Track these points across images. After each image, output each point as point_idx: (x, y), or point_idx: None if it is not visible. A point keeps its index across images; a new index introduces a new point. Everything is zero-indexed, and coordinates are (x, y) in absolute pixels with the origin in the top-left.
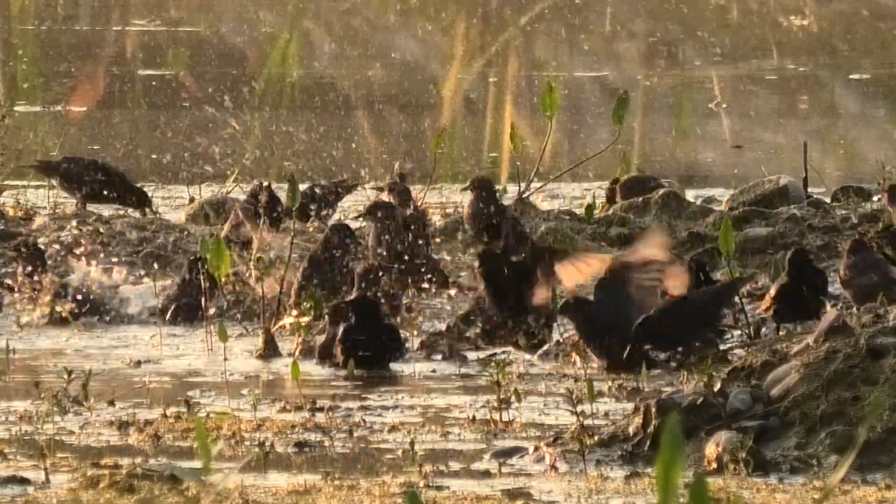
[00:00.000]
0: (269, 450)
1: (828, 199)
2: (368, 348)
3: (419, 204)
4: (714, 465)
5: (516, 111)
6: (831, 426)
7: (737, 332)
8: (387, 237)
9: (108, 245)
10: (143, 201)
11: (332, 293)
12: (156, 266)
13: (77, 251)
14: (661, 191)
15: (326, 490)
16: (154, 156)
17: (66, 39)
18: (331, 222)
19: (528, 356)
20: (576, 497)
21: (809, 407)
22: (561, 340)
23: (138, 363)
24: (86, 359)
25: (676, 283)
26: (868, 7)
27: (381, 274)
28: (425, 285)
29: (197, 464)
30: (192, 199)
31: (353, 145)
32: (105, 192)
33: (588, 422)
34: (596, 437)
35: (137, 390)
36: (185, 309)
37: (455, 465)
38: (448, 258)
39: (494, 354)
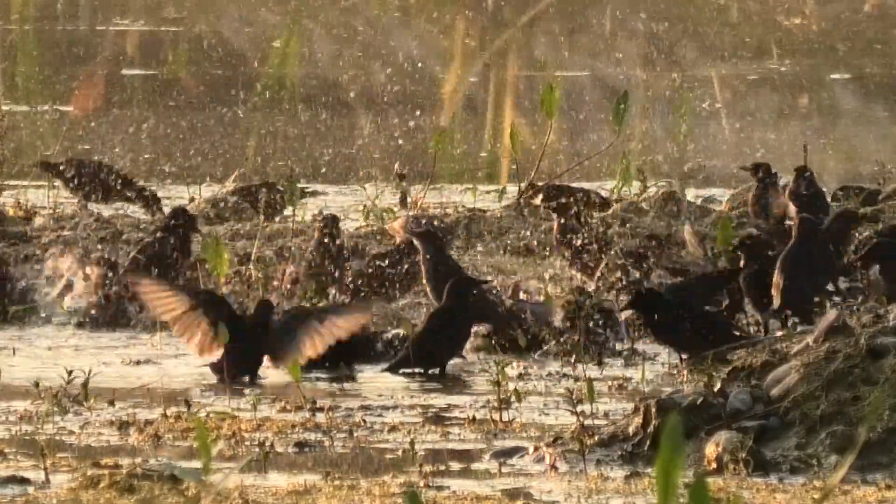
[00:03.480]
0: (269, 450)
1: (828, 199)
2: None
3: (420, 203)
4: (714, 465)
5: (516, 111)
6: (831, 426)
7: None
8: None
9: (108, 245)
10: (150, 201)
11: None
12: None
13: (76, 251)
14: (661, 190)
15: (326, 490)
16: (152, 155)
17: (64, 39)
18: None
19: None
20: (576, 497)
21: (809, 407)
22: (562, 340)
23: (138, 363)
24: (86, 359)
25: None
26: (868, 7)
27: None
28: None
29: (197, 464)
30: (192, 199)
31: (353, 145)
32: (110, 192)
33: (588, 422)
34: (596, 437)
35: (137, 390)
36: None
37: (455, 465)
38: None
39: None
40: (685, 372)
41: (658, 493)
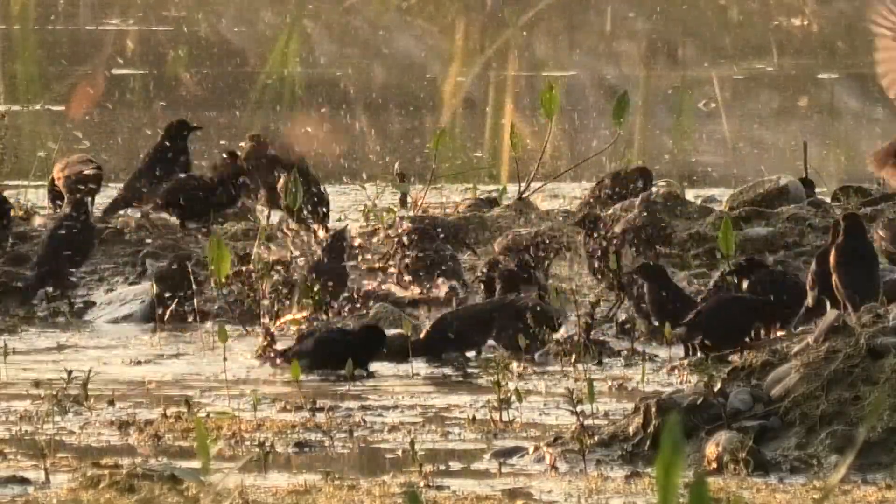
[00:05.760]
0: (269, 450)
1: (828, 199)
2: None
3: (420, 203)
4: (714, 465)
5: (516, 111)
6: (831, 426)
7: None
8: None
9: (108, 245)
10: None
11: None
12: (155, 265)
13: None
14: (662, 190)
15: (326, 490)
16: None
17: (61, 39)
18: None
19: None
20: (576, 497)
21: (809, 407)
22: (561, 340)
23: (138, 363)
24: (86, 359)
25: None
26: (868, 7)
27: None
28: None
29: (197, 464)
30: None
31: (353, 145)
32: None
33: (588, 422)
34: (596, 437)
35: (137, 390)
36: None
37: (455, 465)
38: None
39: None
40: (686, 372)
41: (658, 493)
